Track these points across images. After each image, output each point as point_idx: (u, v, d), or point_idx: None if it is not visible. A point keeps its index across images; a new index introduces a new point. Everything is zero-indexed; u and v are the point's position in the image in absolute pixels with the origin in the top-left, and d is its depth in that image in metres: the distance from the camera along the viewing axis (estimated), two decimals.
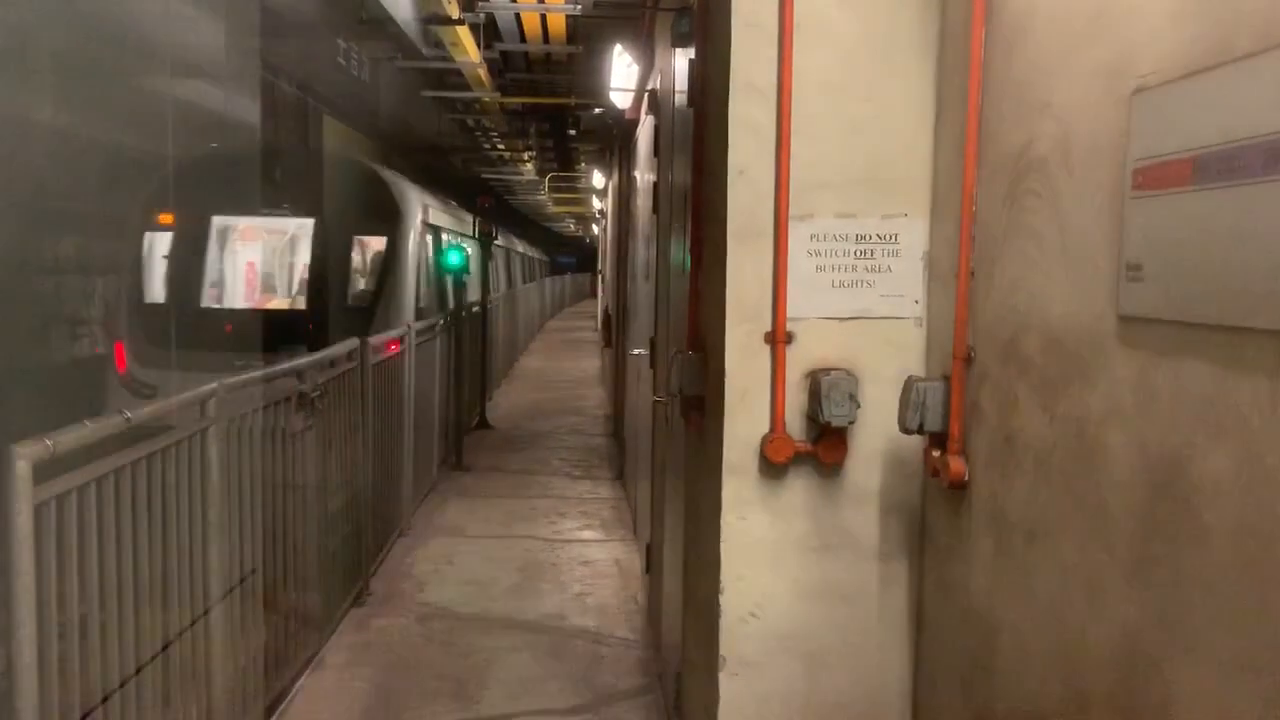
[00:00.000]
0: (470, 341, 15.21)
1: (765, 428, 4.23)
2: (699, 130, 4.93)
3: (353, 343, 8.17)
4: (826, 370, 4.18)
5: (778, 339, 4.19)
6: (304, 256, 11.20)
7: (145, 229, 10.84)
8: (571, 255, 72.44)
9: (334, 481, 7.66)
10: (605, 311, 19.36)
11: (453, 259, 13.74)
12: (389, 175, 12.65)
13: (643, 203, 9.36)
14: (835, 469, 4.26)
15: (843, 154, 4.15)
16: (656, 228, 7.53)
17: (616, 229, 15.06)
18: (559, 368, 24.96)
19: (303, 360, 6.88)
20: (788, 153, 4.12)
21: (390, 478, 9.69)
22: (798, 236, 4.15)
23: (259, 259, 11.10)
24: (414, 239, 12.04)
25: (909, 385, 3.92)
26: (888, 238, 4.17)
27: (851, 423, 4.17)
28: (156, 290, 10.67)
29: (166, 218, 10.88)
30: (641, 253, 9.40)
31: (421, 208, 12.64)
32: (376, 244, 11.68)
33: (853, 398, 4.11)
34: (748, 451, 4.23)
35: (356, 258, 11.61)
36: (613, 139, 15.91)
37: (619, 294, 13.87)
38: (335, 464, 7.70)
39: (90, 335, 12.03)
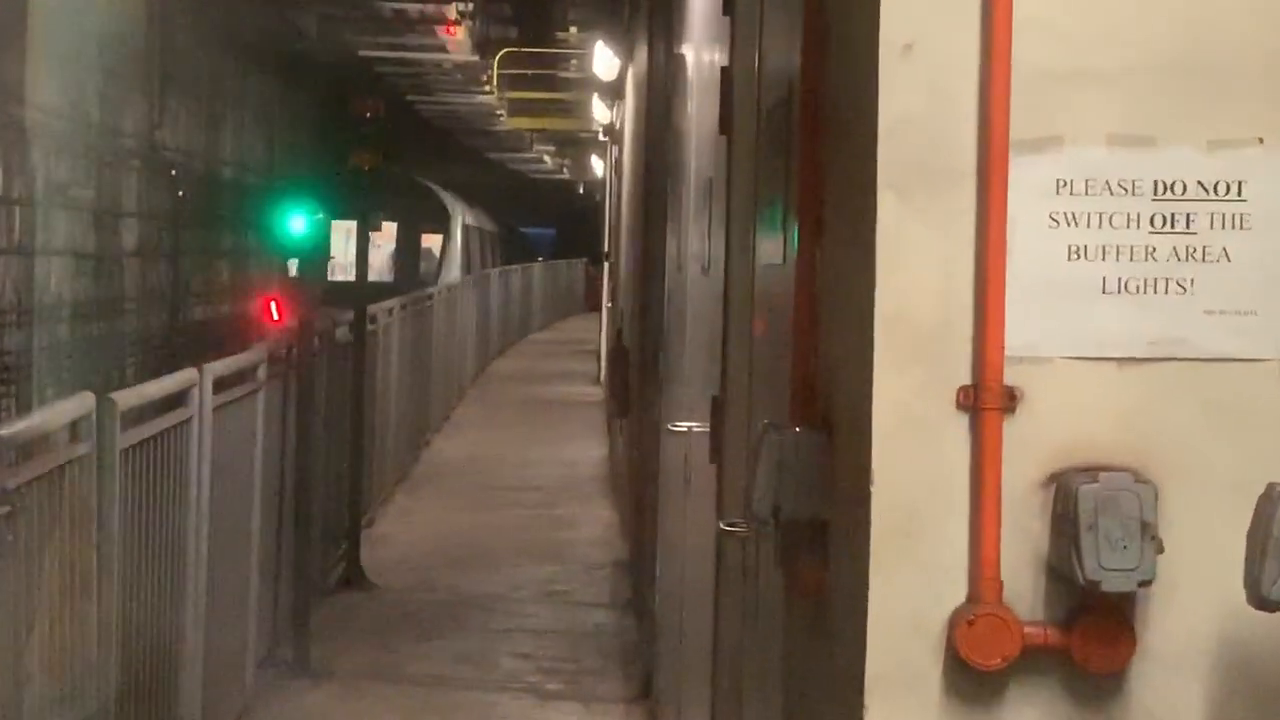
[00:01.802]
0: (333, 401, 12.45)
1: (957, 591, 3.53)
2: None
3: (80, 404, 6.93)
4: (1089, 470, 3.47)
5: (985, 400, 3.48)
6: (390, 248, 26.54)
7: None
8: (548, 224, 56.43)
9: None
10: (615, 340, 16.12)
11: (288, 225, 11.54)
12: (439, 189, 26.86)
13: (698, 111, 8.03)
14: (1111, 682, 3.55)
15: (1123, 5, 3.51)
16: (728, 165, 6.38)
17: (642, 170, 12.35)
18: (519, 456, 18.62)
19: None
20: (1007, 4, 3.47)
21: (150, 696, 7.80)
22: (1028, 184, 3.48)
23: (386, 251, 25.09)
24: (459, 233, 27.09)
25: (1274, 503, 3.06)
26: (1222, 190, 3.52)
27: (1145, 583, 3.43)
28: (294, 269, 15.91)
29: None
30: (695, 219, 8.04)
31: (462, 212, 26.88)
32: (436, 238, 25.20)
33: (1146, 529, 3.41)
34: (918, 644, 3.56)
35: (424, 247, 25.72)
36: None
37: (644, 306, 11.64)
38: (38, 654, 6.43)
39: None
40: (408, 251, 31.44)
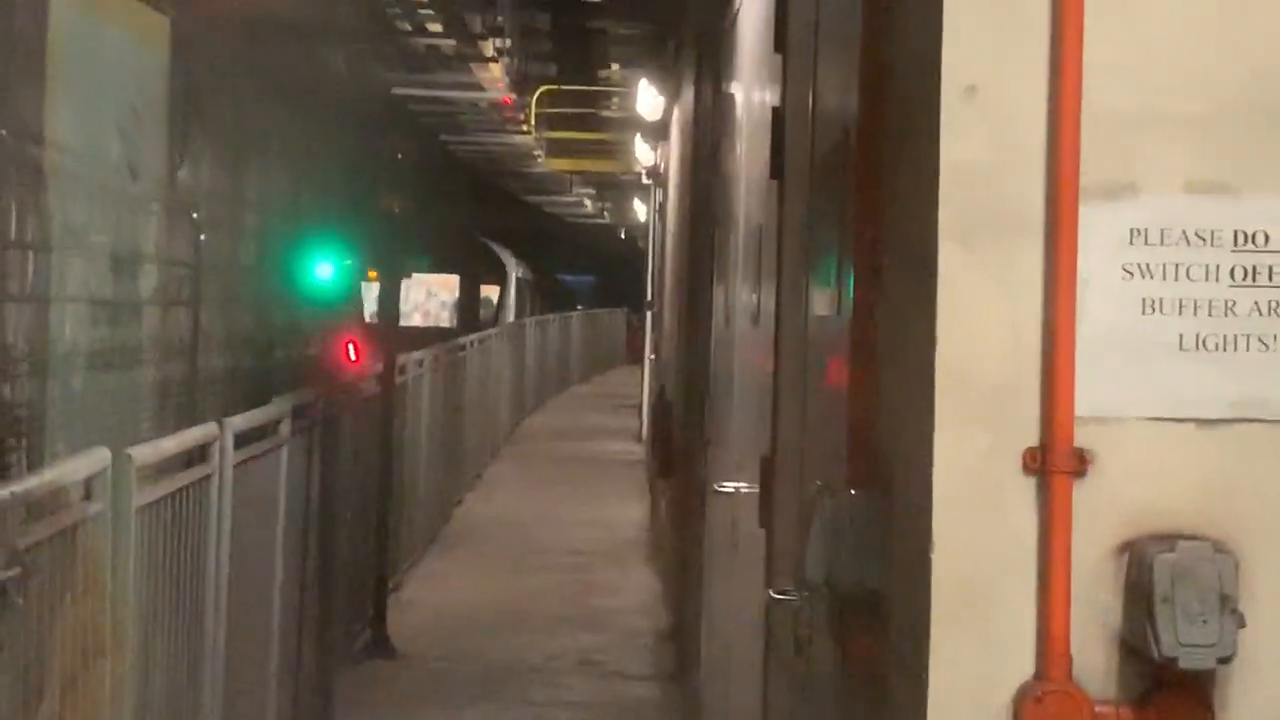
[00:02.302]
0: (359, 457, 12.41)
1: (1024, 666, 3.53)
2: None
3: (95, 460, 6.85)
4: (1165, 538, 3.48)
5: (1054, 463, 3.49)
6: (453, 296, 36.66)
7: (362, 280, 20.03)
8: (587, 271, 58.32)
9: None
10: (658, 395, 16.03)
11: (317, 273, 11.57)
12: (496, 245, 38.77)
13: (748, 154, 7.95)
14: None
15: (1201, 48, 3.52)
16: (779, 211, 6.41)
17: (688, 215, 12.38)
18: (556, 517, 18.62)
19: None
20: (1076, 46, 3.48)
21: None
22: (1100, 234, 3.50)
23: (431, 298, 35.19)
24: (514, 284, 39.43)
25: None
26: None
27: (1225, 660, 3.41)
28: (369, 313, 19.43)
29: (373, 274, 19.42)
30: (744, 267, 7.99)
31: (516, 266, 39.68)
32: (493, 288, 37.96)
33: (1226, 602, 3.40)
34: None
35: (483, 296, 37.31)
36: (681, 13, 12.15)
37: (689, 359, 11.61)
38: None
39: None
40: (468, 300, 39.60)
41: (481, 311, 38.58)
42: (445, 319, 36.62)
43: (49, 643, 6.45)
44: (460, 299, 38.58)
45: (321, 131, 22.63)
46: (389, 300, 16.41)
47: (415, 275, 34.08)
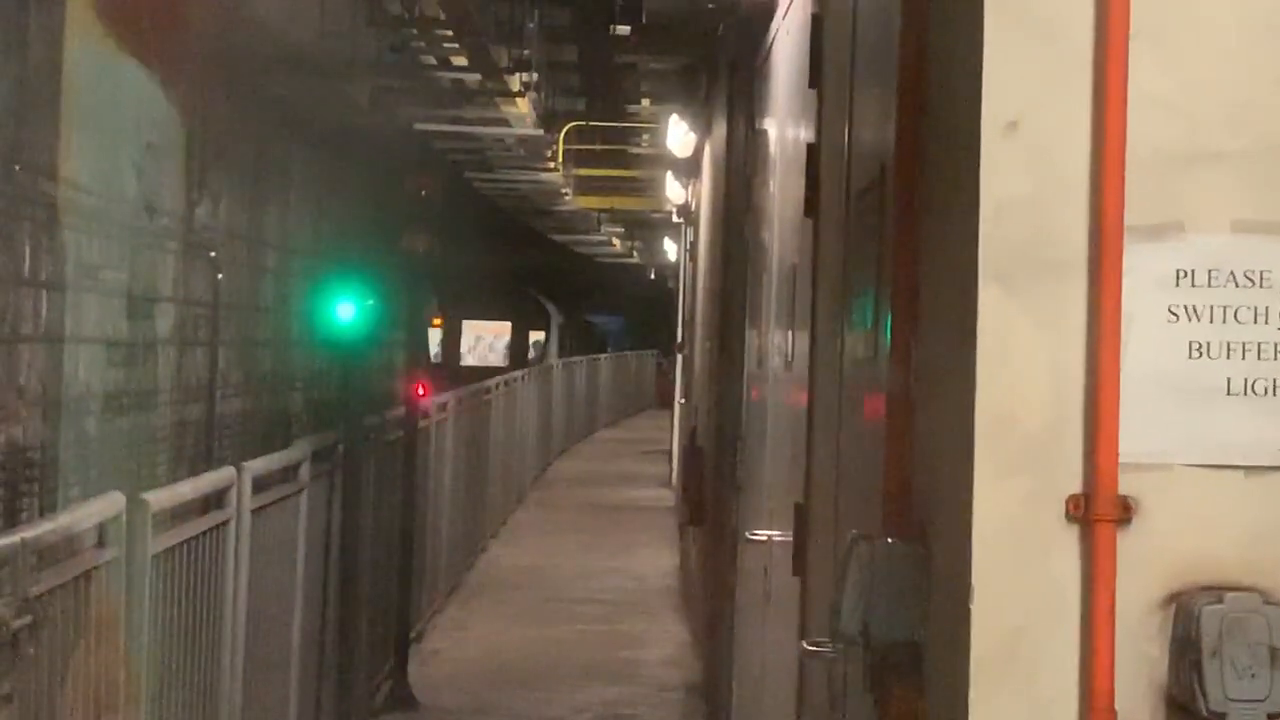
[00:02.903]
0: (381, 503, 12.46)
1: None
2: (914, 31, 4.27)
3: (109, 505, 6.88)
4: (1213, 589, 3.54)
5: (1098, 510, 3.53)
6: (502, 339, 48.56)
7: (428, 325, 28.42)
8: (616, 312, 60.42)
9: None
10: (689, 440, 15.96)
11: (338, 313, 11.66)
12: (540, 296, 50.44)
13: (781, 191, 8.02)
14: None
15: (1248, 83, 3.57)
16: (814, 250, 6.51)
17: (719, 255, 12.38)
18: (583, 566, 18.68)
19: None
20: (1120, 81, 3.52)
21: None
22: (1145, 275, 3.57)
23: (487, 342, 48.42)
24: (555, 330, 50.03)
25: None
26: None
27: (1276, 716, 3.45)
28: (434, 354, 31.23)
29: (438, 321, 34.00)
30: (778, 309, 8.07)
31: (557, 315, 50.60)
32: (539, 334, 49.51)
33: (1277, 655, 3.44)
34: None
35: (533, 339, 48.95)
36: (714, 47, 12.16)
37: (720, 403, 11.61)
38: None
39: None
40: (517, 343, 49.15)
41: (531, 353, 47.96)
42: (493, 360, 46.35)
43: (61, 694, 6.47)
44: (511, 342, 49.32)
45: (342, 169, 22.75)
46: (418, 340, 16.87)
47: (469, 322, 47.56)
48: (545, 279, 51.94)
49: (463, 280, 35.73)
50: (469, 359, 46.16)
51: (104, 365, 14.23)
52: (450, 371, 32.68)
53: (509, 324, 49.72)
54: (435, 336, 41.07)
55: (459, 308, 43.03)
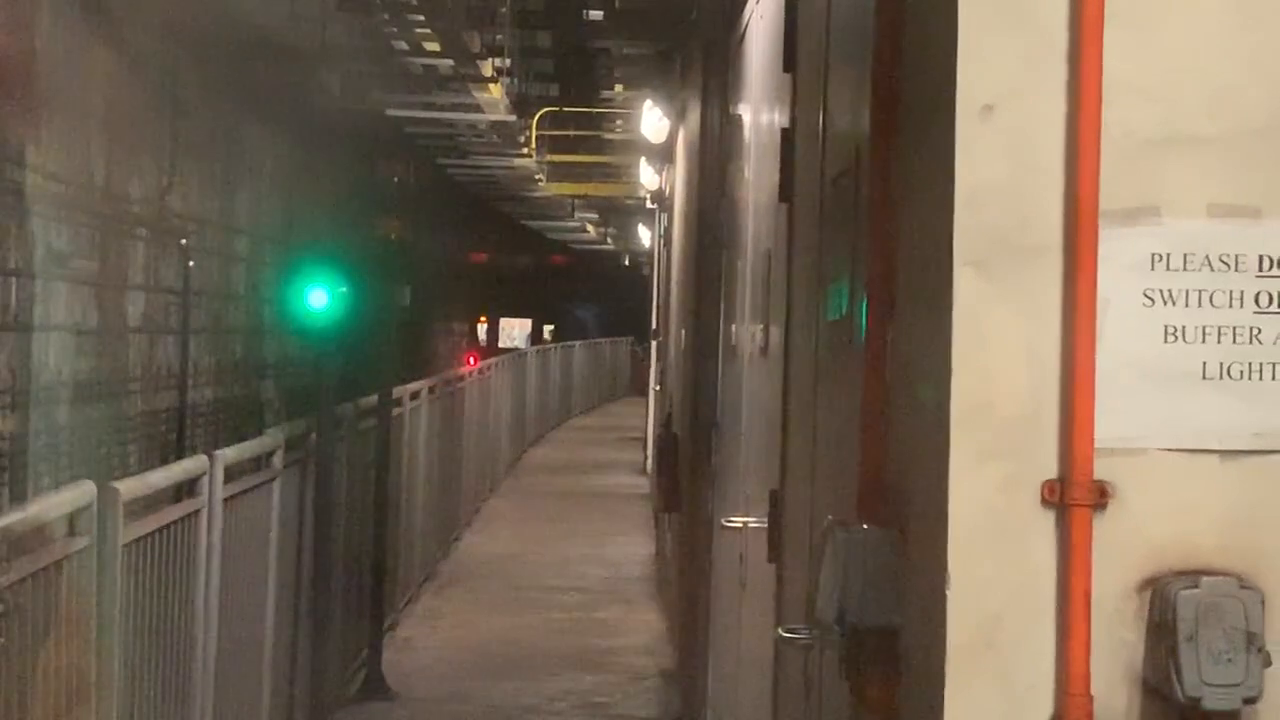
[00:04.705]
0: (354, 492, 12.45)
1: (1043, 707, 3.59)
2: (889, 14, 4.24)
3: (79, 494, 6.85)
4: (1188, 574, 3.56)
5: (1073, 496, 3.55)
6: (523, 330, 58.75)
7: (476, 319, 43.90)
8: (590, 301, 63.32)
9: None
10: (663, 427, 15.96)
11: (310, 300, 11.57)
12: (555, 298, 59.73)
13: (756, 176, 8.05)
14: None
15: (1224, 68, 3.59)
16: (789, 236, 6.51)
17: (694, 241, 12.43)
18: (557, 553, 18.74)
19: None
20: (1096, 65, 3.54)
21: None
22: (1120, 259, 3.58)
23: (511, 333, 57.10)
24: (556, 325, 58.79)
25: None
26: None
27: (1251, 700, 3.47)
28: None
29: (483, 318, 46.31)
30: (752, 295, 8.05)
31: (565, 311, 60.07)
32: (550, 326, 60.74)
33: (1253, 640, 3.46)
34: None
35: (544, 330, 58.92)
36: (687, 32, 12.26)
37: (695, 390, 11.68)
38: None
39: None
40: (536, 334, 58.19)
41: (547, 338, 59.03)
42: (519, 344, 55.19)
43: (31, 684, 6.46)
44: (531, 335, 59.37)
45: (314, 155, 22.72)
46: (385, 322, 16.99)
47: (504, 319, 57.59)
48: (553, 280, 62.22)
49: (500, 288, 51.16)
50: (505, 343, 55.84)
51: (74, 354, 14.22)
52: (494, 350, 41.66)
53: (529, 320, 60.59)
54: (482, 330, 54.74)
55: (496, 308, 54.87)
